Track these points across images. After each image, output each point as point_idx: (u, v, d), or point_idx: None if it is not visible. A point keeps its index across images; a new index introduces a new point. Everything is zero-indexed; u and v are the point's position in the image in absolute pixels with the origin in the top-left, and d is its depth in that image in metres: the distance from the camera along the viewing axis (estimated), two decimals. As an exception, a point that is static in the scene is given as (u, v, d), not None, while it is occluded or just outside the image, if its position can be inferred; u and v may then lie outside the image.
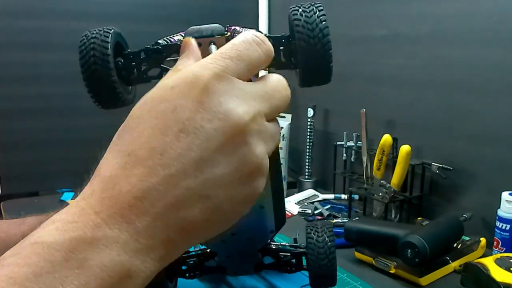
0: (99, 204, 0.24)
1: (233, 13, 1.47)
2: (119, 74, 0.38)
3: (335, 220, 0.99)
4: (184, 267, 0.64)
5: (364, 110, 1.07)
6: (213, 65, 0.26)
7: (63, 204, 0.26)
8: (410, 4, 1.03)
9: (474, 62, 0.91)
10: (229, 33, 0.37)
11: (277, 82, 0.29)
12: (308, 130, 1.25)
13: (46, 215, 0.44)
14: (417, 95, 1.03)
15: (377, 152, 1.00)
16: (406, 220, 1.01)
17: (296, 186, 1.29)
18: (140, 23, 1.26)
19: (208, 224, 0.26)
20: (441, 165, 0.96)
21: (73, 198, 1.17)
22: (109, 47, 0.37)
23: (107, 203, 0.24)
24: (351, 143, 1.17)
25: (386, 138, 0.99)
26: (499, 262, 0.67)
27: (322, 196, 1.20)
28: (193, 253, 0.65)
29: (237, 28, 0.39)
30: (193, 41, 0.32)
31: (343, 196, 1.19)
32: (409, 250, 0.72)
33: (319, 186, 1.28)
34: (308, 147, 1.25)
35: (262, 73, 0.33)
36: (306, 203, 1.14)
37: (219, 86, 0.25)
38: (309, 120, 1.24)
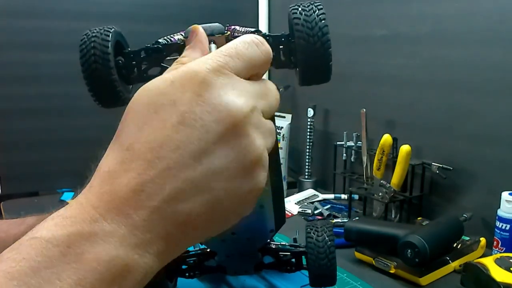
0: (97, 198, 0.24)
1: (233, 13, 1.47)
2: (119, 73, 0.39)
3: (335, 220, 0.99)
4: (184, 267, 0.64)
5: (364, 110, 1.07)
6: (212, 60, 0.26)
7: (63, 204, 0.26)
8: (410, 4, 1.03)
9: (474, 62, 0.91)
10: (229, 32, 0.37)
11: (270, 84, 0.30)
12: (308, 130, 1.25)
13: (46, 215, 0.44)
14: (417, 95, 1.03)
15: (377, 152, 1.00)
16: (406, 220, 1.01)
17: (296, 186, 1.29)
18: (140, 23, 1.26)
19: (208, 219, 0.26)
20: (441, 165, 0.96)
21: (73, 198, 1.17)
22: (110, 45, 0.37)
23: (104, 197, 0.24)
24: (351, 143, 1.17)
25: (386, 138, 0.99)
26: (499, 262, 0.67)
27: (322, 196, 1.20)
28: (193, 252, 0.65)
29: (237, 27, 0.39)
30: (200, 29, 0.32)
31: (343, 196, 1.19)
32: (409, 250, 0.72)
33: (319, 186, 1.28)
34: (308, 147, 1.25)
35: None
36: (306, 203, 1.14)
37: (218, 80, 0.26)
38: (309, 120, 1.24)
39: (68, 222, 0.23)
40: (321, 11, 0.36)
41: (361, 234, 0.82)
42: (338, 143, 1.21)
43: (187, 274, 0.64)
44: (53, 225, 0.23)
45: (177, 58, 0.40)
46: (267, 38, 0.38)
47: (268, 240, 0.63)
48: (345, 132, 1.18)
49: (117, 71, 0.38)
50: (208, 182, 0.25)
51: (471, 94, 0.92)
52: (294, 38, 0.36)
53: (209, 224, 0.26)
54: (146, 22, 1.27)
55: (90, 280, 0.22)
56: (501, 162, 0.87)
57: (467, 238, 0.83)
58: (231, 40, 0.28)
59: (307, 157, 1.26)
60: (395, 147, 1.01)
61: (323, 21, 0.36)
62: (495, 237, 0.82)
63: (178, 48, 0.39)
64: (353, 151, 1.18)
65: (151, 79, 0.27)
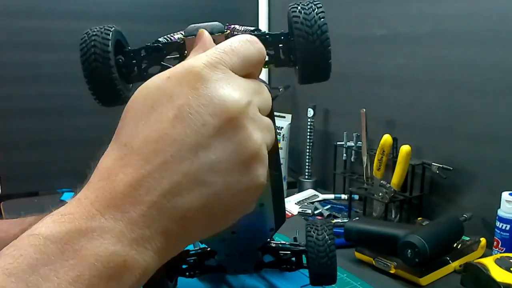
0: (94, 195, 0.24)
1: (233, 13, 1.47)
2: (119, 71, 0.39)
3: (335, 220, 0.99)
4: (184, 266, 0.64)
5: (364, 110, 1.07)
6: (208, 56, 0.27)
7: (63, 204, 0.26)
8: (410, 4, 1.03)
9: (474, 62, 0.91)
10: (228, 31, 0.37)
11: (263, 85, 0.30)
12: (308, 130, 1.25)
13: (46, 214, 0.44)
14: (417, 95, 1.03)
15: (377, 152, 1.00)
16: (406, 220, 1.01)
17: (296, 186, 1.29)
18: (140, 23, 1.26)
19: (207, 214, 0.25)
20: (441, 165, 0.96)
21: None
22: (110, 44, 0.37)
23: (102, 193, 0.24)
24: (351, 143, 1.17)
25: (386, 138, 0.99)
26: (499, 262, 0.67)
27: (322, 196, 1.20)
28: (193, 252, 0.65)
29: (237, 26, 0.39)
30: (206, 33, 0.33)
31: (343, 196, 1.19)
32: (409, 250, 0.72)
33: (319, 186, 1.28)
34: (308, 147, 1.25)
35: (262, 71, 0.33)
36: (306, 203, 1.14)
37: (214, 74, 0.26)
38: (309, 120, 1.24)
39: (66, 219, 0.23)
40: (320, 9, 0.36)
41: (361, 234, 0.82)
42: (338, 143, 1.21)
43: (187, 274, 0.64)
44: (51, 222, 0.23)
45: (177, 57, 0.40)
46: (267, 36, 0.38)
47: (268, 239, 0.63)
48: (345, 132, 1.18)
49: (117, 69, 0.38)
50: (205, 175, 0.25)
51: (471, 94, 0.92)
52: (293, 37, 0.36)
53: (208, 220, 0.26)
54: (146, 22, 1.27)
55: (88, 277, 0.22)
56: (501, 162, 0.87)
57: (467, 238, 0.83)
58: None
59: (307, 157, 1.26)
60: (395, 147, 1.01)
61: (322, 19, 0.36)
62: (495, 237, 0.81)
63: (178, 47, 0.39)
64: (353, 151, 1.18)
65: (150, 78, 0.27)
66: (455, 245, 0.81)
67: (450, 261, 0.77)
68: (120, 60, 0.39)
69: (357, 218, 0.99)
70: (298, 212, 1.08)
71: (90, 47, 0.37)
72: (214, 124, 0.25)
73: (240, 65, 0.28)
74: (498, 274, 0.65)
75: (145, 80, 0.27)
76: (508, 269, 0.65)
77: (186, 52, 0.38)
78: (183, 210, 0.24)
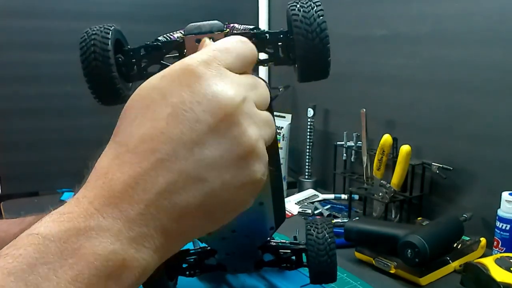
0: (92, 194, 0.24)
1: (233, 13, 1.47)
2: (119, 70, 0.39)
3: (335, 220, 0.99)
4: (184, 265, 0.64)
5: (364, 110, 1.07)
6: (202, 55, 0.27)
7: (63, 203, 0.26)
8: (410, 4, 1.03)
9: (474, 62, 0.91)
10: (228, 30, 0.37)
11: (258, 79, 0.30)
12: (308, 130, 1.25)
13: (46, 214, 0.44)
14: (417, 95, 1.03)
15: (377, 152, 1.00)
16: (406, 220, 1.01)
17: (296, 186, 1.29)
18: (140, 23, 1.26)
19: (205, 211, 0.25)
20: (441, 165, 0.96)
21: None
22: (110, 43, 0.38)
23: (100, 192, 0.24)
24: (351, 143, 1.17)
25: (386, 138, 0.99)
26: (499, 262, 0.67)
27: (322, 196, 1.19)
28: (193, 251, 0.65)
29: (236, 25, 0.39)
30: (207, 40, 0.34)
31: (343, 196, 1.19)
32: (409, 250, 0.72)
33: (319, 186, 1.28)
34: (308, 147, 1.25)
35: (261, 70, 0.33)
36: (306, 203, 1.14)
37: (208, 72, 0.26)
38: (309, 120, 1.24)
39: (65, 218, 0.23)
40: (319, 8, 0.36)
41: (361, 234, 0.82)
42: (338, 143, 1.21)
43: (187, 273, 0.64)
44: (50, 222, 0.23)
45: (176, 56, 0.40)
46: (266, 34, 0.38)
47: (268, 238, 0.63)
48: (345, 132, 1.18)
49: (117, 68, 0.38)
50: (202, 172, 0.25)
51: (471, 94, 0.92)
52: (292, 35, 0.36)
53: (206, 217, 0.26)
54: (146, 22, 1.27)
55: (87, 276, 0.22)
56: (501, 162, 0.87)
57: (467, 238, 0.83)
58: None
59: (307, 157, 1.26)
60: (395, 147, 1.01)
61: (321, 17, 0.36)
62: (495, 237, 0.81)
63: (177, 46, 0.39)
64: (353, 151, 1.18)
65: (150, 77, 0.27)
66: (455, 245, 0.81)
67: (450, 261, 0.77)
68: (120, 59, 0.39)
69: (357, 218, 0.99)
70: (298, 212, 1.08)
71: (89, 46, 0.37)
72: (208, 121, 0.25)
73: (234, 63, 0.28)
74: (498, 274, 0.65)
75: (145, 79, 0.27)
76: (508, 269, 0.65)
77: (185, 50, 0.38)
78: (180, 208, 0.24)
